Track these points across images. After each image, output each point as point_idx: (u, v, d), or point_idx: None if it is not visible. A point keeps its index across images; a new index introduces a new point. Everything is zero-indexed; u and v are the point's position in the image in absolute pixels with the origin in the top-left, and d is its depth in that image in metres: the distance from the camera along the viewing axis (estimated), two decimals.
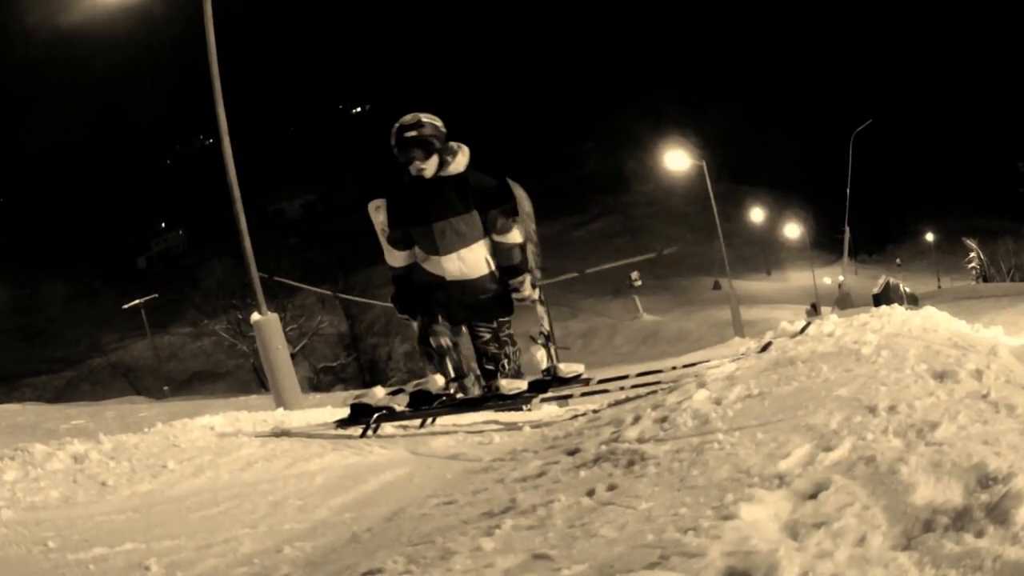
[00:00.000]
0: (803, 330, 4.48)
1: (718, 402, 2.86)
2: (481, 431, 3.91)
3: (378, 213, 4.68)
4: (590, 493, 2.04)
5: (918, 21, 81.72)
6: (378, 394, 4.30)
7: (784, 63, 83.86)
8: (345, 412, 4.27)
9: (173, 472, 3.20)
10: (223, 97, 7.78)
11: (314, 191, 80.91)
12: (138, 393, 34.23)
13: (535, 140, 77.73)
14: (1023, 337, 4.95)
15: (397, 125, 4.45)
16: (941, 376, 2.67)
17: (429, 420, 4.34)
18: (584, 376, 4.54)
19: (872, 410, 2.30)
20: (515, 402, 4.22)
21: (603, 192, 71.79)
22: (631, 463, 2.28)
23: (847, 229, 29.40)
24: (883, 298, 18.19)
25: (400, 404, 4.23)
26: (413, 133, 4.39)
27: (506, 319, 4.83)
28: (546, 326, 5.06)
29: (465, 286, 4.59)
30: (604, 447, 2.56)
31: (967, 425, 2.03)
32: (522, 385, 4.25)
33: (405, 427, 4.26)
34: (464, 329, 4.84)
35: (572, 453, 2.65)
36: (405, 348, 34.62)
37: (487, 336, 4.75)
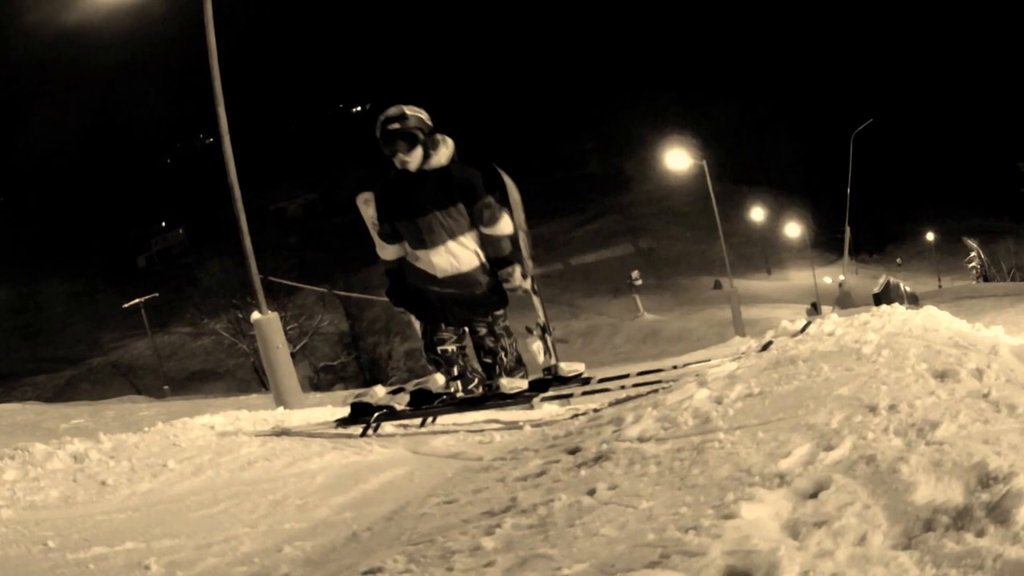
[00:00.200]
0: (804, 329, 4.48)
1: (719, 401, 2.86)
2: (482, 430, 3.91)
3: (367, 207, 4.63)
4: (591, 492, 2.04)
5: (918, 21, 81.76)
6: (378, 393, 4.30)
7: (784, 63, 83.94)
8: (345, 411, 4.27)
9: (173, 471, 3.20)
10: (224, 96, 7.78)
11: (314, 190, 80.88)
12: (138, 392, 34.28)
13: (535, 140, 77.75)
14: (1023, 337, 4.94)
15: (382, 117, 4.39)
16: (942, 375, 2.67)
17: (429, 419, 4.34)
18: (585, 375, 4.54)
19: (873, 409, 2.29)
20: (516, 401, 4.21)
21: (603, 192, 71.77)
22: (632, 462, 2.28)
23: (847, 228, 29.39)
24: (884, 297, 18.19)
25: (400, 403, 4.23)
26: (397, 125, 4.34)
27: (501, 312, 4.76)
28: (542, 317, 5.01)
29: (458, 282, 4.54)
30: (605, 446, 2.56)
31: (968, 424, 2.03)
32: (523, 384, 4.24)
33: (405, 426, 4.26)
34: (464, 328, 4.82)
35: (573, 452, 2.64)
36: (405, 347, 34.65)
37: (483, 331, 4.70)
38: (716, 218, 23.69)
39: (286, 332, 8.25)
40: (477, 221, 4.45)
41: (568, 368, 4.51)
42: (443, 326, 4.59)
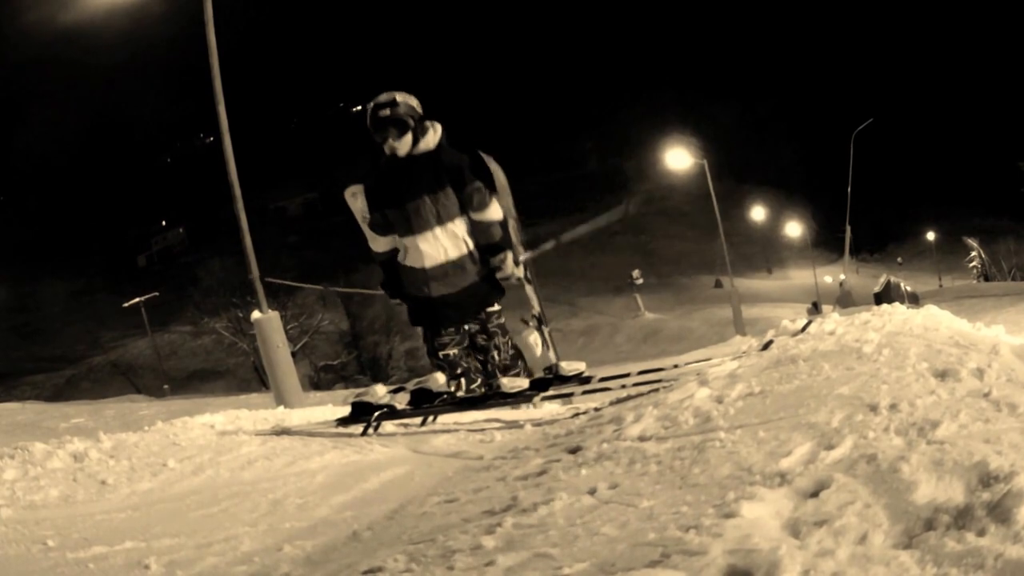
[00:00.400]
0: (804, 328, 4.47)
1: (719, 400, 2.85)
2: (482, 429, 3.90)
3: (355, 199, 4.58)
4: (591, 491, 2.03)
5: (918, 21, 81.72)
6: (379, 392, 4.30)
7: (784, 63, 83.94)
8: (346, 410, 4.27)
9: (173, 470, 3.19)
10: (223, 95, 7.78)
11: (314, 189, 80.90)
12: (138, 391, 34.33)
13: (535, 139, 77.80)
14: None
15: (372, 104, 4.37)
16: (942, 375, 2.67)
17: (430, 418, 4.33)
18: (585, 374, 4.53)
19: (873, 408, 2.29)
20: (516, 400, 4.21)
21: (603, 192, 71.78)
22: (632, 461, 2.28)
23: (848, 228, 29.43)
24: (884, 297, 18.17)
25: (401, 402, 4.23)
26: (387, 112, 4.31)
27: (495, 309, 4.72)
28: (536, 307, 4.96)
29: (448, 276, 4.45)
30: (606, 445, 2.56)
31: (968, 424, 2.02)
32: (523, 383, 4.24)
33: (406, 425, 4.25)
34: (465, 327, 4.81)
35: (574, 451, 2.64)
36: (406, 346, 34.68)
37: (475, 328, 4.68)
38: (717, 217, 23.72)
39: (286, 331, 8.26)
40: (467, 206, 4.40)
41: (569, 367, 4.51)
42: (443, 331, 4.58)
